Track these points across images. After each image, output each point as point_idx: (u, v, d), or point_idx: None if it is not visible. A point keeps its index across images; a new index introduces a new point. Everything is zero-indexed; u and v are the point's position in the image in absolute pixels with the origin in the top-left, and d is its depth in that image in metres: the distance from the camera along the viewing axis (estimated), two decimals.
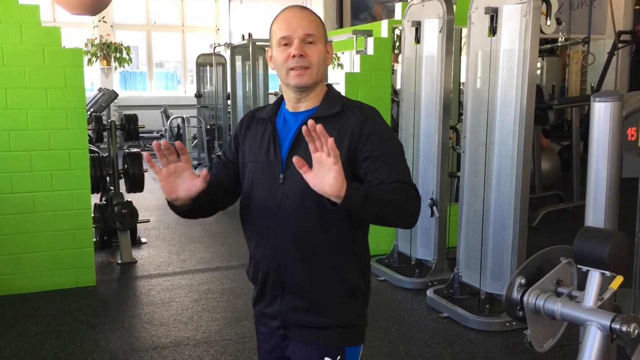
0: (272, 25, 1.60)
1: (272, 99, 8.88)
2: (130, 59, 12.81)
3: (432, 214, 4.20)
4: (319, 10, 9.91)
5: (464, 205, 3.78)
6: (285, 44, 1.55)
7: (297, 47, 1.53)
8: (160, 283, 4.30)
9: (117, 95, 6.11)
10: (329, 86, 1.69)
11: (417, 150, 4.35)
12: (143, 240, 5.33)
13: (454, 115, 4.87)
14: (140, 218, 4.97)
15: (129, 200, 4.87)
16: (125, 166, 4.85)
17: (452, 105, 4.64)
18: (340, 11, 9.37)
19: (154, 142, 1.50)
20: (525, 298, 1.39)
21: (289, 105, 1.64)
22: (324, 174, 1.33)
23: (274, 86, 8.81)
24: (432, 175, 4.24)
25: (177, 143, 1.49)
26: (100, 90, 6.35)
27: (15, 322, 3.59)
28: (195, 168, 8.78)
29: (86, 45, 12.38)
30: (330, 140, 1.30)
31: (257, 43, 8.52)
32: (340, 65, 10.48)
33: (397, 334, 3.50)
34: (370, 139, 1.54)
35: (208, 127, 10.25)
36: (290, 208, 1.56)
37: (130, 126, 5.04)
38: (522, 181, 3.42)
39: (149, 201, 7.12)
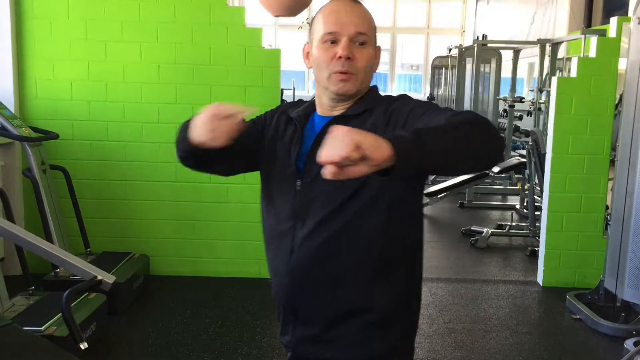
0: (315, 17, 1.38)
1: (501, 105, 8.35)
2: None
3: None
4: (564, 10, 8.99)
5: None
6: (332, 42, 1.32)
7: (345, 47, 1.30)
8: None
9: None
10: (372, 87, 1.42)
11: (635, 169, 3.63)
12: None
13: None
14: None
15: None
16: None
17: None
18: (589, 10, 8.37)
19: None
20: None
21: (321, 110, 1.40)
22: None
23: (505, 91, 8.23)
24: None
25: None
26: None
27: (194, 303, 3.84)
28: None
29: None
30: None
31: (489, 45, 8.08)
32: None
33: None
34: (400, 112, 1.28)
35: None
36: (308, 218, 1.32)
37: None
38: None
39: None
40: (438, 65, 10.66)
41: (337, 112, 1.37)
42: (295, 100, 1.54)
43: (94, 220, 4.17)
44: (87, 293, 3.27)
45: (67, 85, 4.15)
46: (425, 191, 6.84)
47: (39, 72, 4.13)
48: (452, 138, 1.09)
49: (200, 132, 1.24)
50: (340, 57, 1.30)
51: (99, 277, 2.30)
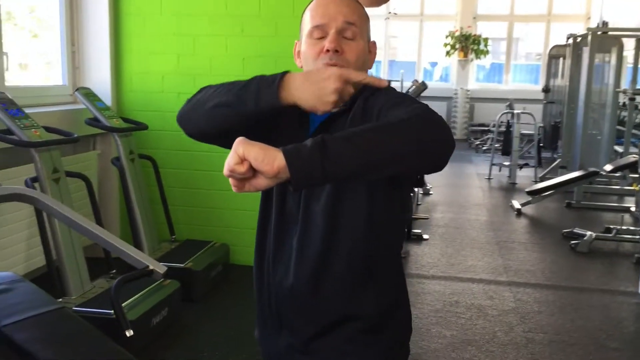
0: (304, 12, 1.30)
1: (621, 98, 7.69)
2: (487, 51, 12.62)
3: None
4: None
5: None
6: (319, 37, 1.24)
7: (333, 39, 1.22)
8: (413, 284, 4.13)
9: (426, 87, 6.05)
10: None
11: None
12: (425, 236, 5.21)
13: None
14: (429, 213, 4.86)
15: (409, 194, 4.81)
16: None
17: None
18: None
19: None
20: None
21: None
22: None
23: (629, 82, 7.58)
24: None
25: None
26: (413, 82, 6.39)
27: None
28: (521, 168, 8.19)
29: (446, 37, 12.66)
30: None
31: (610, 33, 7.47)
32: None
33: None
34: (373, 109, 1.18)
35: (552, 124, 9.47)
36: (306, 222, 1.26)
37: None
38: None
39: (446, 197, 6.98)
40: (555, 55, 10.07)
41: (334, 109, 1.29)
42: None
43: (179, 209, 4.33)
44: (162, 279, 3.40)
45: (158, 78, 4.33)
46: (527, 189, 6.48)
47: (134, 66, 4.33)
48: (372, 140, 0.97)
49: (320, 93, 1.08)
50: (327, 51, 1.22)
51: (151, 267, 2.36)
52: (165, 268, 2.45)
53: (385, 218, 1.25)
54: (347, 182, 1.18)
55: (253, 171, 0.95)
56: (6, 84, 3.57)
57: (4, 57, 3.59)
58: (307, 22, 1.27)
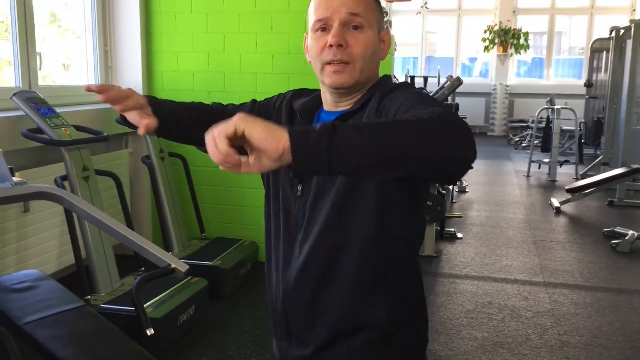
0: (309, 4, 1.25)
1: None
2: (527, 45, 12.35)
3: None
4: None
5: None
6: (323, 29, 1.19)
7: (336, 33, 1.16)
8: (445, 283, 4.05)
9: (461, 82, 5.92)
10: (382, 78, 1.25)
11: None
12: (459, 235, 5.11)
13: None
14: (464, 212, 4.77)
15: (442, 192, 4.73)
16: None
17: None
18: None
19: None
20: None
21: (326, 105, 1.27)
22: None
23: None
24: None
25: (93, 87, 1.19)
26: (448, 77, 6.27)
27: None
28: (561, 165, 7.98)
29: (485, 32, 12.43)
30: None
31: None
32: None
33: None
34: (389, 111, 1.11)
35: (595, 119, 9.20)
36: (306, 228, 1.21)
37: None
38: None
39: (482, 194, 6.84)
40: (598, 49, 9.78)
41: (342, 108, 1.25)
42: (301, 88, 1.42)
43: (209, 207, 4.34)
44: (189, 277, 3.41)
45: (189, 77, 4.34)
46: (567, 187, 6.30)
47: (165, 64, 4.36)
48: (385, 134, 0.87)
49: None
50: (331, 45, 1.17)
51: (173, 265, 2.36)
52: (187, 267, 2.44)
53: (397, 224, 1.18)
54: (351, 177, 1.11)
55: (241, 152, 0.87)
56: (51, 83, 3.62)
57: (37, 57, 3.65)
58: (312, 15, 1.22)
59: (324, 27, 1.19)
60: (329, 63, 1.18)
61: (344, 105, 1.24)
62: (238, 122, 0.84)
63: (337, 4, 1.17)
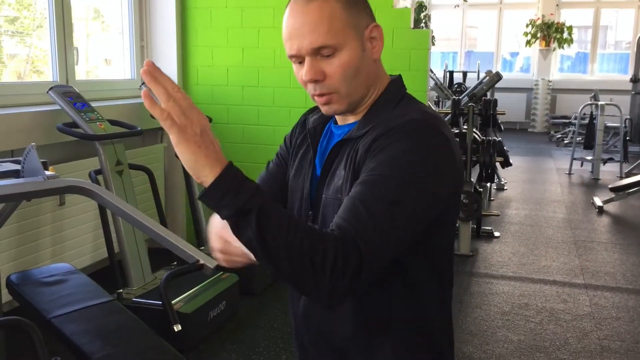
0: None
1: None
2: (571, 40, 12.03)
3: None
4: None
5: None
6: (299, 62, 1.11)
7: (308, 70, 1.07)
8: (480, 283, 3.95)
9: (500, 77, 5.78)
10: (392, 82, 1.18)
11: None
12: (496, 234, 4.99)
13: None
14: (502, 210, 4.66)
15: (479, 190, 4.62)
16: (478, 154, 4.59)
17: None
18: None
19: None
20: None
21: (337, 119, 1.22)
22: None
23: None
24: None
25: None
26: (487, 72, 6.13)
27: None
28: (604, 163, 7.74)
29: (527, 26, 12.15)
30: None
31: None
32: None
33: None
34: (374, 156, 1.03)
35: None
36: None
37: (486, 111, 4.72)
38: None
39: (521, 192, 6.68)
40: None
41: (351, 121, 1.18)
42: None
43: None
44: (221, 272, 3.40)
45: (223, 72, 4.34)
46: (611, 186, 6.10)
47: (200, 59, 4.36)
48: (277, 245, 0.91)
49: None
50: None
51: (201, 261, 2.35)
52: (216, 263, 2.42)
53: (414, 255, 1.11)
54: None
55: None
56: (93, 78, 3.64)
57: (75, 51, 3.68)
58: (284, 44, 1.13)
59: (298, 60, 1.11)
60: (313, 96, 1.13)
61: (353, 119, 1.18)
62: (174, 141, 0.89)
63: (300, 39, 1.07)
